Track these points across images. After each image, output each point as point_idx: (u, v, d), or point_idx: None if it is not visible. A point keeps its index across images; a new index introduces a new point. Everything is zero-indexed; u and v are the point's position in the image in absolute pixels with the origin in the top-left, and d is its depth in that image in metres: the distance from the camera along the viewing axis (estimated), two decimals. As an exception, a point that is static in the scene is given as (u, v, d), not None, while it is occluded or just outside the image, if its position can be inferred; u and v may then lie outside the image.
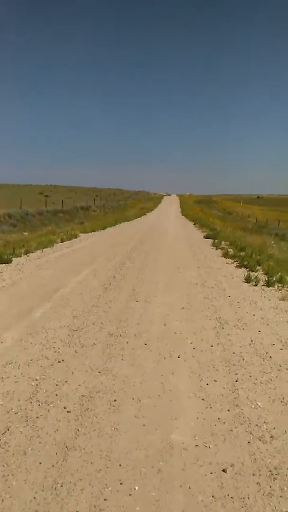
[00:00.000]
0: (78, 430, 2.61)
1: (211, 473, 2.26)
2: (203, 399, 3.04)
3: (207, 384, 3.27)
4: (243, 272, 7.83)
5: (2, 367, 3.44)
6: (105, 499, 2.05)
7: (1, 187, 58.23)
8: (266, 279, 7.00)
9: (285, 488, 2.15)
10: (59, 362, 3.59)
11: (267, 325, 4.79)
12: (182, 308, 5.37)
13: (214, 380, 3.34)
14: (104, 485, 2.15)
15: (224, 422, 2.75)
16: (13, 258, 8.21)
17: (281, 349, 4.07)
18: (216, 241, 12.45)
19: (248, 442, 2.55)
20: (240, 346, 4.09)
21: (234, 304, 5.64)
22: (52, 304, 5.32)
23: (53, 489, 2.10)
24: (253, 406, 2.96)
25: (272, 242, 12.58)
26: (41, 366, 3.48)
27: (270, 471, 2.29)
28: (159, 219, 25.03)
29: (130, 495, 2.09)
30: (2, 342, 3.97)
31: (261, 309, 5.44)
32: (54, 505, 2.01)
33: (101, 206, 33.11)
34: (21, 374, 3.34)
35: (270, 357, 3.85)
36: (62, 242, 11.43)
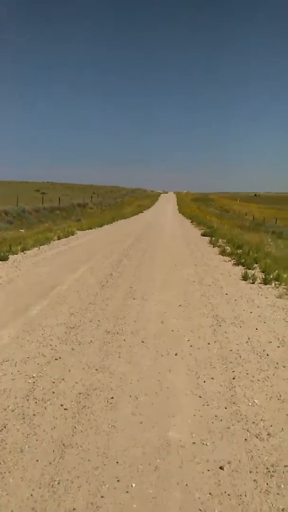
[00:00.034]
0: (75, 427, 2.61)
1: (208, 470, 2.26)
2: (200, 397, 3.04)
3: (204, 382, 3.27)
4: (240, 270, 7.84)
5: (-2, 365, 3.43)
6: (102, 496, 2.05)
7: (-2, 184, 57.97)
8: (263, 277, 7.01)
9: (282, 486, 2.16)
10: (56, 359, 3.58)
11: (264, 322, 4.80)
12: (179, 305, 5.37)
13: (211, 378, 3.34)
14: (101, 482, 2.14)
15: (221, 420, 2.75)
16: (9, 256, 8.18)
17: (278, 346, 4.08)
18: (213, 238, 12.46)
19: (245, 439, 2.55)
20: (237, 344, 4.10)
21: (231, 301, 5.65)
22: (49, 302, 5.31)
23: (50, 487, 2.10)
24: (250, 404, 2.97)
25: (269, 240, 12.60)
26: (38, 364, 3.47)
27: (267, 468, 2.29)
28: (156, 217, 25.01)
29: (127, 492, 2.08)
30: (-2, 340, 3.95)
31: (258, 306, 5.45)
32: (51, 502, 2.00)
33: (98, 203, 33.05)
34: (18, 371, 3.33)
35: (267, 354, 3.86)
36: (59, 239, 11.40)
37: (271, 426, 2.70)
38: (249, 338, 4.26)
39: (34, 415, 2.72)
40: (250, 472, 2.26)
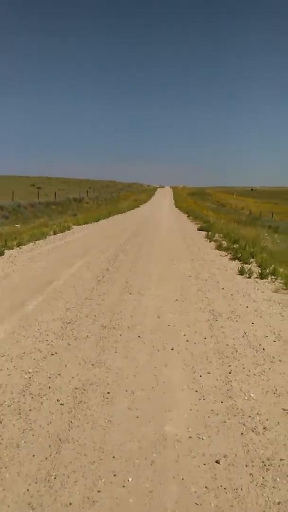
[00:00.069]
0: (72, 422, 2.61)
1: (204, 464, 2.27)
2: (196, 391, 3.05)
3: (201, 376, 3.28)
4: (236, 264, 7.84)
5: (-6, 360, 3.42)
6: (98, 491, 2.05)
7: (-7, 178, 57.60)
8: (260, 271, 7.02)
9: (278, 479, 2.17)
10: (52, 354, 3.57)
11: (261, 317, 4.81)
12: (176, 300, 5.37)
13: (208, 372, 3.35)
14: (97, 477, 2.14)
15: (217, 414, 2.76)
16: (5, 251, 8.14)
17: (274, 341, 4.09)
18: (209, 233, 12.46)
19: (241, 433, 2.56)
20: (234, 338, 4.11)
21: (228, 296, 5.65)
22: (45, 297, 5.29)
23: (46, 481, 2.10)
24: (246, 398, 2.98)
25: (266, 235, 12.61)
26: (34, 359, 3.46)
27: (263, 462, 2.30)
28: (153, 211, 24.97)
29: (123, 486, 2.09)
30: (-6, 335, 3.94)
31: (254, 301, 5.46)
32: (48, 497, 2.00)
33: (94, 198, 32.94)
34: (14, 367, 3.32)
35: (263, 349, 3.87)
36: (55, 234, 11.36)
37: (267, 420, 2.71)
38: (245, 333, 4.27)
39: (30, 410, 2.72)
40: (246, 466, 2.27)
